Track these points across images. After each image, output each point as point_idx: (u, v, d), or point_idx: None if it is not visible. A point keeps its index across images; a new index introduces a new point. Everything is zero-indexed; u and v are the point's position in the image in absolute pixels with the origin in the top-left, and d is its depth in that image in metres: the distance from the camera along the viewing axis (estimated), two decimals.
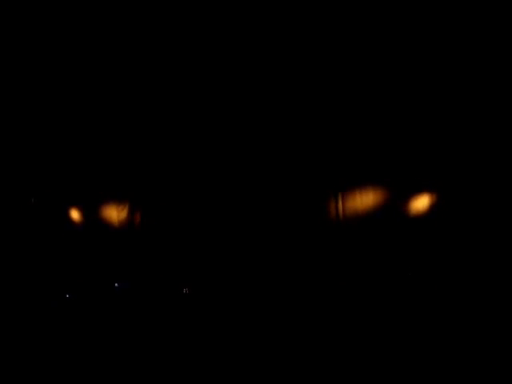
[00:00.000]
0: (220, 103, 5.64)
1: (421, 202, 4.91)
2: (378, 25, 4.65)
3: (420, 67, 4.83)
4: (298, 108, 5.49)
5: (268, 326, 4.35)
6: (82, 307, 5.23)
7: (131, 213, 6.06)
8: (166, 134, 6.00)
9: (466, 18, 4.38)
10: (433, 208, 4.82)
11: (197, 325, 4.60)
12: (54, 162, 6.15)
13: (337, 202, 5.36)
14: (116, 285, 5.42)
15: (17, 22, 4.88)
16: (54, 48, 5.20)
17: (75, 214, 6.10)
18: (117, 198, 6.12)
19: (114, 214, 6.04)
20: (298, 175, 5.47)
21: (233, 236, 5.43)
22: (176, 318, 4.80)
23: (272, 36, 4.86)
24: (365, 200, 5.22)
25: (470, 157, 4.64)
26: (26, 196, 6.04)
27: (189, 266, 5.47)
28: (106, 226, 6.02)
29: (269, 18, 4.75)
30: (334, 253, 5.12)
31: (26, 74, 5.56)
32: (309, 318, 4.46)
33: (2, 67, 5.40)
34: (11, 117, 5.90)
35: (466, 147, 4.67)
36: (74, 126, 6.06)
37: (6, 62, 5.33)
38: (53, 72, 5.52)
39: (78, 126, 6.07)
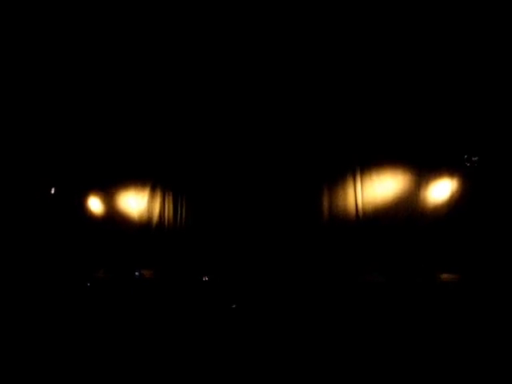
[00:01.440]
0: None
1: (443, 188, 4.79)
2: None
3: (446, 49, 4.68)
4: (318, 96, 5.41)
5: (282, 316, 4.37)
6: (102, 295, 5.33)
7: (152, 202, 6.13)
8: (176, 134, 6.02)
9: None
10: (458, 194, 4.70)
11: (215, 311, 4.65)
12: (76, 152, 6.24)
13: (355, 189, 5.30)
14: (136, 273, 5.50)
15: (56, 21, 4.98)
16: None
17: (97, 204, 6.20)
18: (137, 188, 6.19)
19: (135, 203, 6.11)
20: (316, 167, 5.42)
21: (252, 225, 5.43)
22: (196, 305, 4.86)
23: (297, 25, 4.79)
24: (384, 187, 5.14)
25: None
26: (47, 186, 6.16)
27: (208, 256, 5.51)
28: (126, 215, 6.11)
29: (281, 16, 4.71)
30: (354, 242, 5.09)
31: (46, 64, 5.60)
32: (325, 306, 4.46)
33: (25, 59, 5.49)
34: (30, 106, 5.96)
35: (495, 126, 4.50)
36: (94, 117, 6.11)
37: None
38: (72, 61, 5.56)
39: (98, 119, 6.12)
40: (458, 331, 3.54)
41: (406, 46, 4.83)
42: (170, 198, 6.02)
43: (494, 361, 2.94)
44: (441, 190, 4.83)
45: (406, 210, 4.90)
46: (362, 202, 5.18)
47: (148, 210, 6.05)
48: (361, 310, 4.24)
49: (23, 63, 5.52)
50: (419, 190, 4.91)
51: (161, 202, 6.05)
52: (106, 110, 6.05)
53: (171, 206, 5.99)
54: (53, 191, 6.09)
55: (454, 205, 4.72)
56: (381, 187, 5.10)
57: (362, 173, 5.24)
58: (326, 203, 5.38)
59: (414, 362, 3.08)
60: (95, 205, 6.19)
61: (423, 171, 4.92)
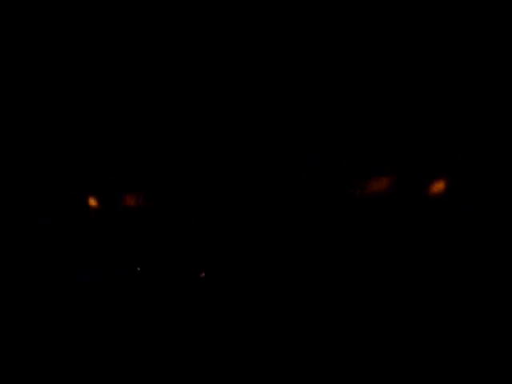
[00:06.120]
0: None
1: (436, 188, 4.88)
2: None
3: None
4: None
5: (281, 315, 4.44)
6: (99, 293, 5.39)
7: (147, 198, 6.17)
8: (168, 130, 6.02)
9: None
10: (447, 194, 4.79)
11: (213, 309, 4.73)
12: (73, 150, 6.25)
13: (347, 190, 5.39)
14: (138, 269, 5.59)
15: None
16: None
17: (93, 201, 6.24)
18: (133, 184, 6.24)
19: (130, 198, 6.16)
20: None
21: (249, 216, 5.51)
22: (193, 302, 4.94)
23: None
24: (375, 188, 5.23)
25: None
26: (47, 184, 6.18)
27: (206, 251, 5.59)
28: (122, 211, 6.17)
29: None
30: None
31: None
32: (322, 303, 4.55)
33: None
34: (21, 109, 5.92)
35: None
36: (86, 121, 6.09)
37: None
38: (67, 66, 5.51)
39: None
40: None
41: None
42: (166, 193, 6.07)
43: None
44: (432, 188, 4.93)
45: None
46: None
47: (143, 206, 6.11)
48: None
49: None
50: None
51: (156, 197, 6.12)
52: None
53: (167, 201, 6.06)
54: (52, 188, 6.16)
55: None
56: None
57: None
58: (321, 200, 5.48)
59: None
60: (90, 202, 6.25)
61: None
